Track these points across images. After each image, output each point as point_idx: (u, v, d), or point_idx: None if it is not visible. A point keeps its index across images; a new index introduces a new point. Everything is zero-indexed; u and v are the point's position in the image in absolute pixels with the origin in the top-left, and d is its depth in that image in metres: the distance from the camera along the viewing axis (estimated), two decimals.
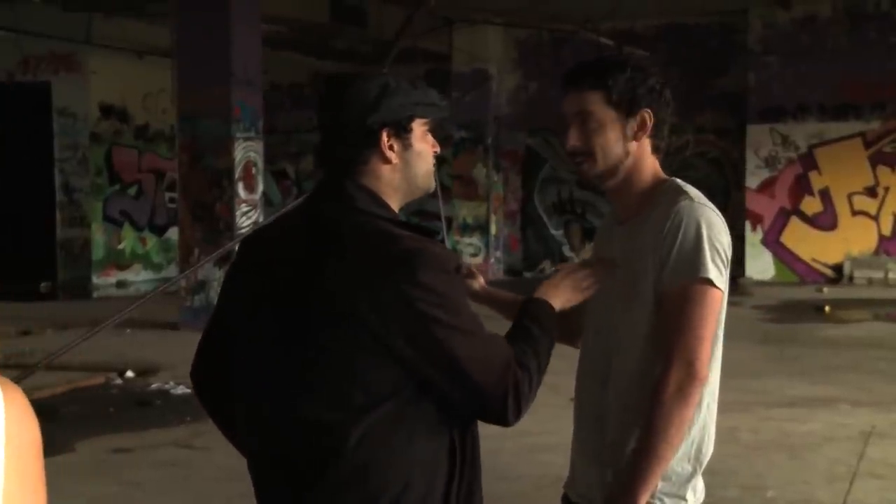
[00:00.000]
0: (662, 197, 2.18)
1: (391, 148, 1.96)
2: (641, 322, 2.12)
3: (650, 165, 2.23)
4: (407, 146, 1.98)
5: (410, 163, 1.99)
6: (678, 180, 2.23)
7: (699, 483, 2.18)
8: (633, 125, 2.18)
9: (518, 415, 1.90)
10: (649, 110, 2.18)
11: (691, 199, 2.12)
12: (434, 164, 2.07)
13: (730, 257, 2.13)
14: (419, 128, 2.00)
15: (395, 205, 2.01)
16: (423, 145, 2.01)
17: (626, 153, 2.19)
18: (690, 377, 2.03)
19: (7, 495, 1.01)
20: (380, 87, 1.95)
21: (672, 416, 2.02)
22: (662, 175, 2.25)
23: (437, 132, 2.06)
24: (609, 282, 2.22)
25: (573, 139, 2.21)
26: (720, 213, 2.16)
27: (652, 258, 2.11)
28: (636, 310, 2.13)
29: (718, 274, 2.08)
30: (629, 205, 2.24)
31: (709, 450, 2.18)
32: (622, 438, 2.13)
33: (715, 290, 2.08)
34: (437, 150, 2.06)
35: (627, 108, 2.17)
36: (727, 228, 2.15)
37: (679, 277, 2.07)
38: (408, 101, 1.97)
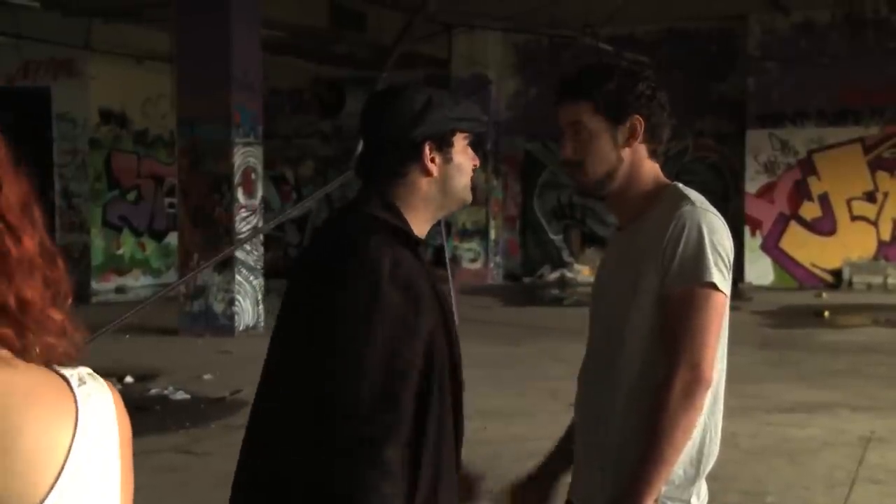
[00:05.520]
0: (663, 201, 2.18)
1: (433, 161, 1.99)
2: (643, 324, 2.12)
3: (649, 170, 2.23)
4: (448, 159, 2.01)
5: (450, 176, 2.02)
6: (680, 185, 2.23)
7: (703, 487, 2.18)
8: (623, 132, 2.18)
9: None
10: (639, 116, 2.18)
11: (693, 203, 2.12)
12: (472, 177, 2.09)
13: (732, 261, 2.13)
14: (460, 141, 2.03)
15: (428, 216, 2.03)
16: (464, 159, 2.04)
17: (620, 160, 2.19)
18: (696, 381, 2.03)
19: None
20: (424, 100, 1.98)
21: (678, 420, 2.02)
22: (664, 179, 2.25)
23: (476, 146, 2.09)
24: (612, 283, 2.22)
25: (566, 151, 2.23)
26: (722, 218, 2.17)
27: (653, 261, 2.11)
28: (638, 312, 2.13)
29: (722, 278, 2.08)
30: (629, 210, 2.25)
31: (711, 453, 2.17)
32: (624, 441, 2.13)
33: (718, 293, 2.08)
34: (477, 163, 2.09)
35: (616, 116, 2.17)
36: (729, 233, 2.16)
37: (682, 282, 2.07)
38: (451, 115, 2.00)
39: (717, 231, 2.10)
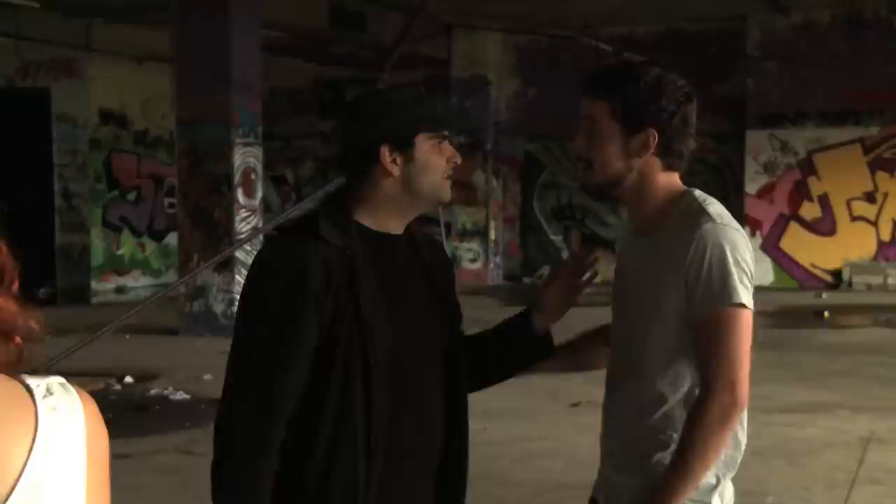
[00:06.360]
0: (681, 213, 2.13)
1: (394, 162, 2.05)
2: (667, 338, 2.11)
3: (661, 182, 2.17)
4: (409, 160, 2.06)
5: (412, 176, 2.07)
6: (696, 193, 2.17)
7: (727, 490, 2.18)
8: (635, 143, 2.12)
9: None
10: (654, 130, 2.11)
11: (713, 220, 2.08)
12: (449, 174, 2.12)
13: (753, 271, 2.11)
14: (425, 142, 2.07)
15: (397, 214, 2.11)
16: (431, 158, 2.08)
17: (629, 168, 2.14)
18: (733, 403, 2.04)
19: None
20: (381, 105, 2.07)
21: (712, 440, 2.04)
22: (678, 187, 2.19)
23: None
24: (633, 292, 2.21)
25: (579, 143, 2.20)
26: (741, 228, 2.13)
27: (674, 279, 2.07)
28: (661, 325, 2.11)
29: (747, 293, 2.07)
30: (644, 216, 2.21)
31: (734, 458, 2.17)
32: (649, 449, 2.13)
33: (746, 311, 2.06)
34: (457, 160, 2.12)
35: (631, 125, 2.11)
36: (749, 242, 2.13)
37: (711, 304, 2.05)
38: (409, 118, 2.05)
39: (738, 247, 2.07)
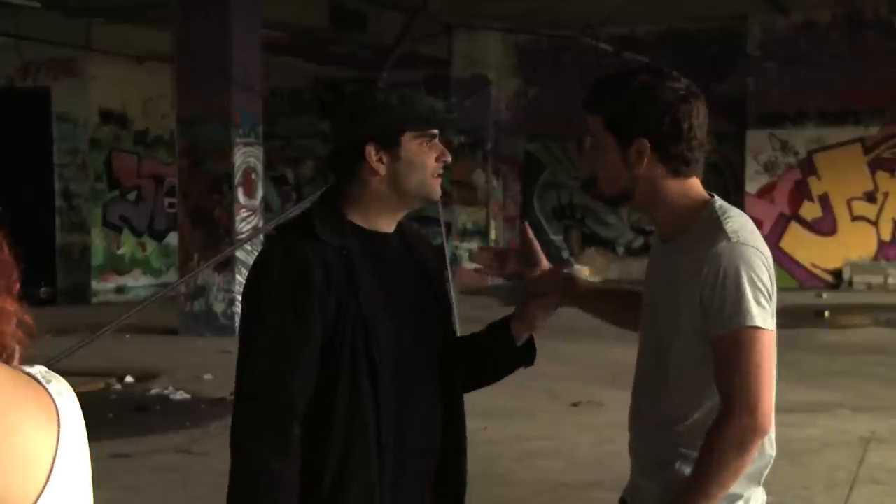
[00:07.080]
0: (702, 224, 2.10)
1: (380, 160, 2.06)
2: (687, 351, 2.09)
3: (674, 190, 2.13)
4: (395, 158, 2.07)
5: (399, 174, 2.08)
6: (717, 205, 2.12)
7: (752, 498, 2.13)
8: (631, 154, 2.10)
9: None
10: (645, 140, 2.08)
11: (728, 238, 2.03)
12: (439, 173, 2.12)
13: (773, 287, 2.06)
14: (411, 140, 2.07)
15: (386, 212, 2.12)
16: (418, 156, 2.08)
17: (634, 179, 2.11)
18: (754, 427, 1.99)
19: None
20: (366, 104, 2.08)
21: (730, 464, 1.99)
22: (698, 196, 2.15)
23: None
24: (657, 302, 2.19)
25: (586, 157, 2.22)
26: (761, 245, 2.08)
27: (689, 297, 2.05)
28: (681, 337, 2.09)
29: (765, 314, 2.02)
30: (663, 223, 2.19)
31: (761, 469, 2.13)
32: (668, 458, 2.12)
33: (764, 332, 2.02)
34: (447, 158, 2.12)
35: (622, 137, 2.10)
36: (768, 259, 2.07)
37: (726, 326, 2.01)
38: (394, 116, 2.06)
39: (753, 266, 2.02)
